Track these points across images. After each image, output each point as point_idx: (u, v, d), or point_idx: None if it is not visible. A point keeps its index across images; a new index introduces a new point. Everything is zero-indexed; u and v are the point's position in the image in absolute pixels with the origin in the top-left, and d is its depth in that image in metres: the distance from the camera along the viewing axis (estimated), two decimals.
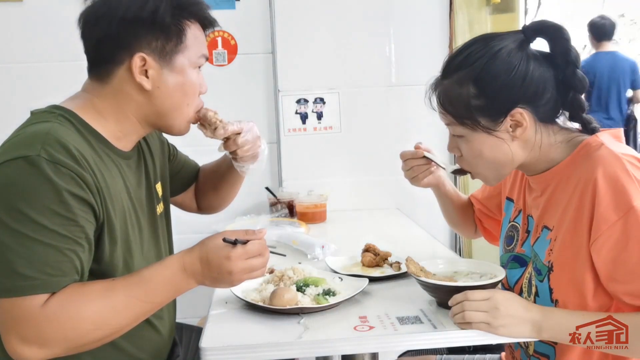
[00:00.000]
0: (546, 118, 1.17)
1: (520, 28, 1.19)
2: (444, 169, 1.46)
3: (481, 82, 1.13)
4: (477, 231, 1.63)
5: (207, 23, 1.23)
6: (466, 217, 1.61)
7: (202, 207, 1.67)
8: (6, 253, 0.98)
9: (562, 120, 1.21)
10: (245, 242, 1.10)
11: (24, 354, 0.99)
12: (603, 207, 1.06)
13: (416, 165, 1.47)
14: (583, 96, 1.18)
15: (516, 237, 1.31)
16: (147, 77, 1.15)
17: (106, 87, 1.17)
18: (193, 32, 1.19)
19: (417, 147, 1.47)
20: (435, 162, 1.45)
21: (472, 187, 2.46)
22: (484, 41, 1.16)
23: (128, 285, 1.07)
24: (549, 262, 1.16)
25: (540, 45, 1.18)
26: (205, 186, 1.63)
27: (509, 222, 1.36)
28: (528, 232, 1.27)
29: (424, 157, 1.45)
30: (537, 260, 1.19)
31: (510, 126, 1.15)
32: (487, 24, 2.42)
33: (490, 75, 1.13)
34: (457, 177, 2.52)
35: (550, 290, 1.15)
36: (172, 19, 1.15)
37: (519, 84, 1.12)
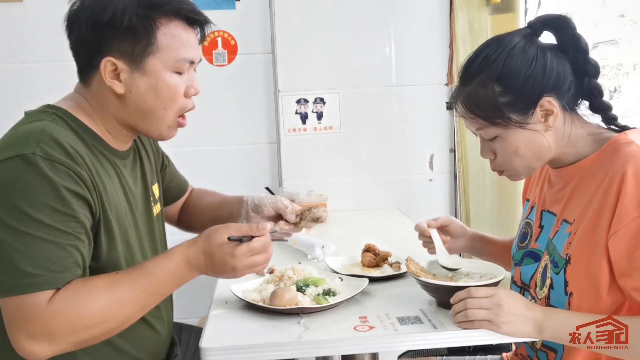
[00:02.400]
0: (570, 105, 1.18)
1: (525, 25, 1.21)
2: (439, 262, 1.38)
3: (505, 79, 1.15)
4: None
5: (191, 20, 1.18)
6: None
7: (184, 225, 1.65)
8: (8, 252, 0.98)
9: (584, 113, 1.21)
10: (250, 239, 1.11)
11: (33, 350, 0.99)
12: (627, 201, 1.07)
13: (425, 242, 1.46)
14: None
15: (530, 233, 1.32)
16: (119, 80, 1.13)
17: (89, 90, 1.17)
18: (169, 32, 1.14)
19: (429, 225, 1.43)
20: (435, 246, 1.40)
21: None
22: (496, 42, 1.19)
23: (132, 278, 1.07)
24: (566, 254, 1.16)
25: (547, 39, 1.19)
26: (199, 215, 1.61)
27: (524, 220, 1.37)
28: (541, 227, 1.27)
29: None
30: (555, 253, 1.19)
31: (542, 116, 1.16)
32: (487, 24, 2.42)
33: (512, 71, 1.14)
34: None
35: (566, 282, 1.15)
36: (139, 20, 1.11)
37: (541, 74, 1.14)
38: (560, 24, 1.17)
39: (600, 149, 1.17)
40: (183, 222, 1.66)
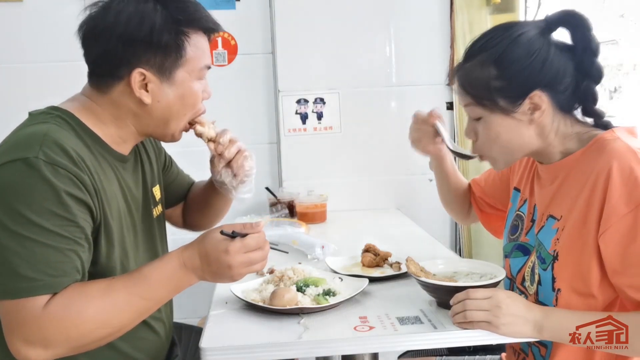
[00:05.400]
0: (564, 106, 1.18)
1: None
2: (447, 146, 1.43)
3: (502, 64, 1.15)
4: (470, 216, 1.63)
5: (211, 31, 1.21)
6: (461, 200, 1.62)
7: (188, 224, 1.64)
8: (7, 255, 0.98)
9: (580, 116, 1.21)
10: (244, 236, 1.10)
11: (29, 355, 0.99)
12: (615, 199, 1.07)
13: (424, 129, 1.46)
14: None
15: (521, 226, 1.32)
16: (147, 90, 1.14)
17: (105, 97, 1.17)
18: (194, 43, 1.16)
19: (431, 114, 1.44)
20: (441, 135, 1.42)
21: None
22: (507, 27, 1.19)
23: (128, 283, 1.07)
24: (554, 251, 1.16)
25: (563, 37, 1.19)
26: (192, 205, 1.60)
27: (515, 211, 1.37)
28: (533, 221, 1.27)
29: (434, 126, 1.43)
30: (542, 249, 1.20)
31: (529, 109, 1.16)
32: (487, 24, 2.42)
33: (511, 58, 1.15)
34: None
35: (553, 279, 1.16)
36: (171, 35, 1.13)
37: (538, 68, 1.14)
38: (575, 22, 1.17)
39: (586, 146, 1.17)
40: (187, 221, 1.64)
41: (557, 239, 1.17)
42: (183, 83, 1.17)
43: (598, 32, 1.19)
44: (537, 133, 1.19)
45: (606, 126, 1.19)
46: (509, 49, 1.15)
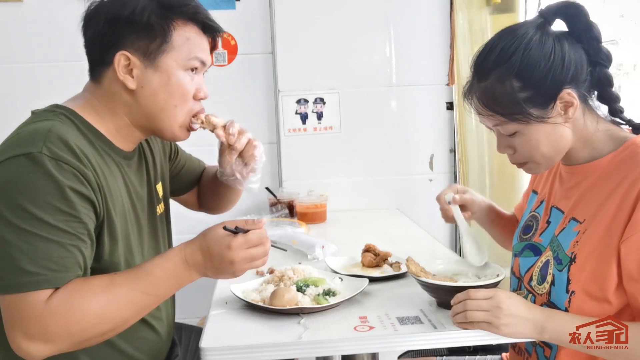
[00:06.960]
0: (586, 96, 1.16)
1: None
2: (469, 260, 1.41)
3: (523, 74, 1.12)
4: None
5: (205, 26, 1.20)
6: (512, 232, 1.55)
7: (204, 207, 1.67)
8: (9, 250, 0.98)
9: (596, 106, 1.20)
10: (245, 232, 1.11)
11: (29, 350, 0.99)
12: None
13: (446, 212, 1.49)
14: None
15: (535, 227, 1.31)
16: (132, 76, 1.14)
17: (100, 88, 1.17)
18: (184, 34, 1.16)
19: (454, 200, 1.46)
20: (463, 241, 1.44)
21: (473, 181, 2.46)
22: (510, 34, 1.15)
23: (130, 278, 1.07)
24: (572, 253, 1.15)
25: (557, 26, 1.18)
26: (205, 190, 1.62)
27: (530, 212, 1.36)
28: (548, 222, 1.26)
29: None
30: (560, 250, 1.19)
31: (561, 109, 1.14)
32: (487, 24, 2.42)
33: (531, 65, 1.12)
34: (457, 178, 2.52)
35: (568, 280, 1.15)
36: (157, 19, 1.13)
37: (560, 66, 1.12)
38: (572, 12, 1.15)
39: (618, 150, 1.15)
40: (202, 205, 1.66)
41: (577, 242, 1.16)
42: (168, 70, 1.16)
43: None
44: (572, 130, 1.16)
45: (620, 112, 1.18)
46: (526, 58, 1.11)
